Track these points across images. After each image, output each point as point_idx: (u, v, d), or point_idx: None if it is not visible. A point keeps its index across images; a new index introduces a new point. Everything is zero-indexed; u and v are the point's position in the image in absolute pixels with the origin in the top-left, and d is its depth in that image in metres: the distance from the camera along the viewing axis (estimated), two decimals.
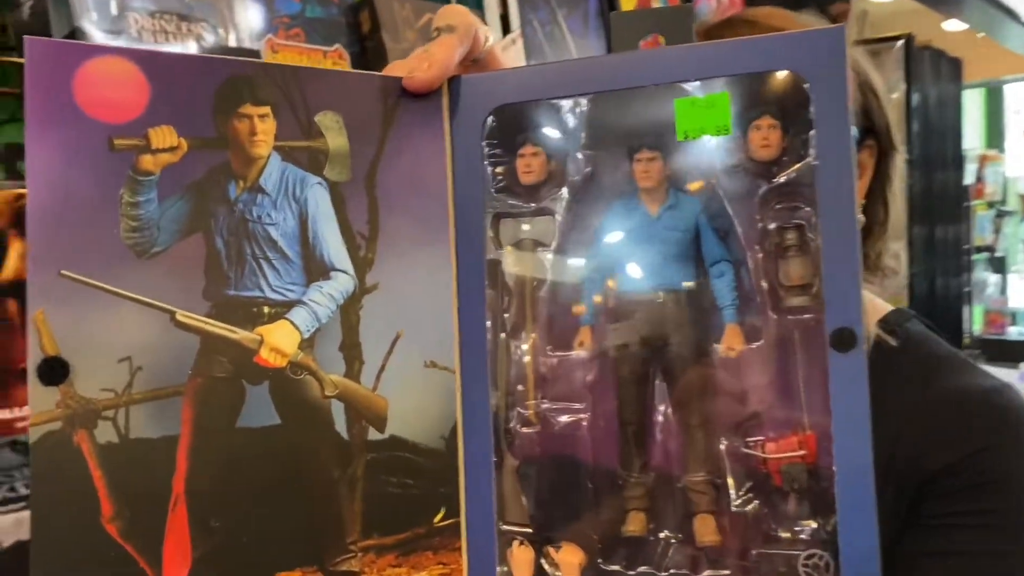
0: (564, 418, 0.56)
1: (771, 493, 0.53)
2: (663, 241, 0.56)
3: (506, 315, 0.57)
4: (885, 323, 0.93)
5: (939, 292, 3.78)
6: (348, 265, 0.53)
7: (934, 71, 3.60)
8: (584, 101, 0.57)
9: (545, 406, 0.56)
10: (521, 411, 0.56)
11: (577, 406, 0.56)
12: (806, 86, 0.50)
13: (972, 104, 5.23)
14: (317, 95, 0.53)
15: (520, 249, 0.58)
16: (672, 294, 0.56)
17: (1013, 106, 5.77)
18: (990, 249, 4.97)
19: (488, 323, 0.54)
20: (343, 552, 0.51)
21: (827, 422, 0.50)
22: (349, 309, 0.53)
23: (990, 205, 4.94)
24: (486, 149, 0.56)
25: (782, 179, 0.53)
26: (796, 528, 0.52)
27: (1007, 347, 4.67)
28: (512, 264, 0.58)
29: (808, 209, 0.53)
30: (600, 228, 0.57)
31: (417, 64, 0.55)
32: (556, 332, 0.57)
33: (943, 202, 3.80)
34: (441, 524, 0.53)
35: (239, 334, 0.50)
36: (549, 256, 0.58)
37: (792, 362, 0.53)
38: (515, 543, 0.55)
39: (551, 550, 0.55)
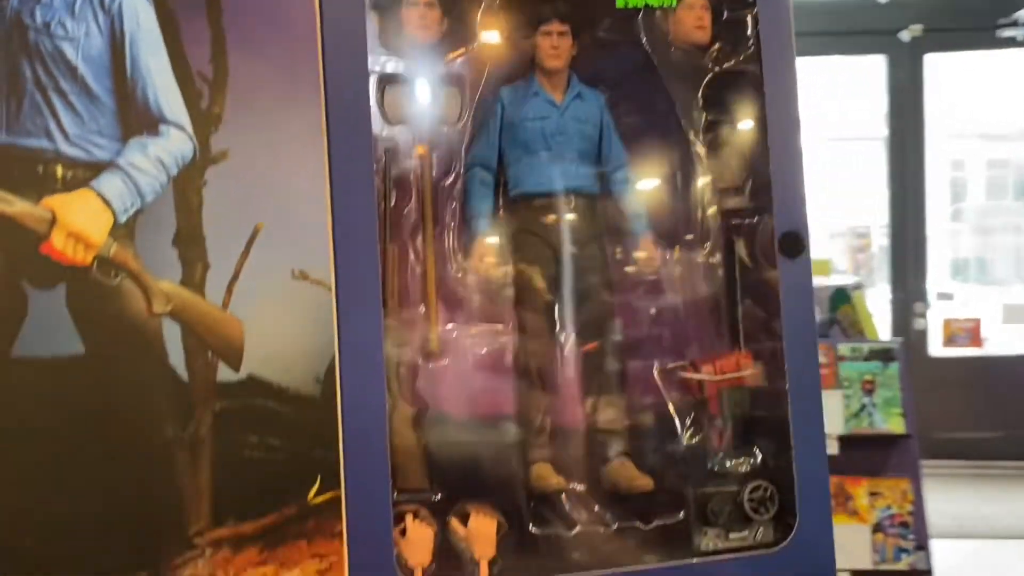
0: (479, 347, 0.43)
1: (705, 424, 0.46)
2: (574, 134, 0.46)
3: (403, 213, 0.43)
4: None
5: None
6: (185, 118, 0.35)
7: None
8: None
9: (453, 332, 0.43)
10: (422, 340, 0.42)
11: (498, 326, 0.44)
12: None
13: None
14: None
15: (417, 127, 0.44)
16: (585, 199, 0.46)
17: None
18: None
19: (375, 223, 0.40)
20: (184, 548, 0.34)
21: (767, 338, 0.44)
22: (187, 185, 0.35)
23: None
24: None
25: (717, 68, 0.46)
26: (737, 460, 0.45)
27: None
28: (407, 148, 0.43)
29: (740, 102, 0.46)
30: (498, 113, 0.45)
31: None
32: (467, 237, 0.44)
33: None
34: (317, 501, 0.38)
35: (16, 206, 0.30)
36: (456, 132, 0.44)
37: (728, 272, 0.46)
38: (409, 519, 0.40)
39: (456, 523, 0.42)
